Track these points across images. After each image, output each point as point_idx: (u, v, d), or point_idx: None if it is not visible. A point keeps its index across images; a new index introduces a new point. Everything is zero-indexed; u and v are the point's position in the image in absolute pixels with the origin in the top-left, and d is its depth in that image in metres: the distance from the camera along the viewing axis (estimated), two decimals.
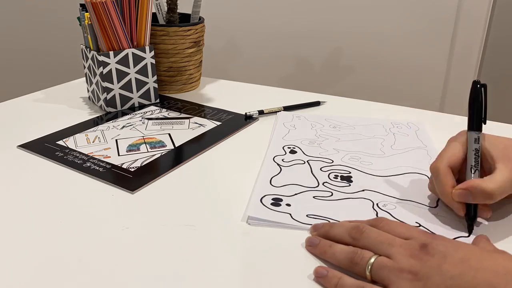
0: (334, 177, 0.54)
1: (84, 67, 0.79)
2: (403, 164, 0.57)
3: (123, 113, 0.75)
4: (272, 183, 0.53)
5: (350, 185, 0.53)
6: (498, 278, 0.33)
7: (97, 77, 0.74)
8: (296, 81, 1.35)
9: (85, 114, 0.74)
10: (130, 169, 0.56)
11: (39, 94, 0.83)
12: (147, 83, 0.77)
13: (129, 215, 0.47)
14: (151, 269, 0.39)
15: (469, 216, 0.44)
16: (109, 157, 0.59)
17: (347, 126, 0.69)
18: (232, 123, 0.71)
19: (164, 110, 0.76)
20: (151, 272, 0.39)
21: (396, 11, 1.19)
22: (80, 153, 0.60)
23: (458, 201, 0.44)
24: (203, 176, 0.56)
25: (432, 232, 0.43)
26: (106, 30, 0.71)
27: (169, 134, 0.66)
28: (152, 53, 0.76)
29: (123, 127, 0.69)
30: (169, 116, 0.73)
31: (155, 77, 0.78)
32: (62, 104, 0.78)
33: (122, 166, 0.57)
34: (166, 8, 0.84)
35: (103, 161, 0.58)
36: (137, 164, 0.57)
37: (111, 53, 0.72)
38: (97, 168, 0.56)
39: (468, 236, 0.43)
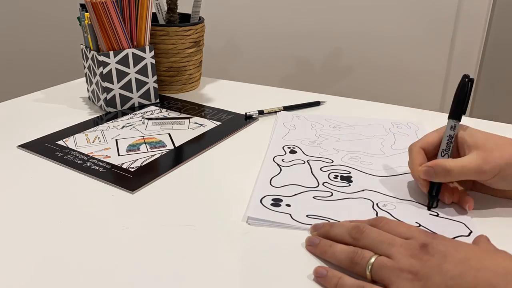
0: (334, 177, 0.54)
1: (84, 67, 0.79)
2: (403, 164, 0.57)
3: (123, 113, 0.75)
4: (272, 183, 0.53)
5: (350, 185, 0.53)
6: (498, 278, 0.33)
7: (97, 77, 0.74)
8: (296, 81, 1.35)
9: (85, 114, 0.74)
10: (130, 169, 0.56)
11: (39, 94, 0.83)
12: (147, 83, 0.77)
13: (129, 215, 0.47)
14: (151, 269, 0.39)
15: (430, 194, 0.48)
16: (109, 157, 0.59)
17: (347, 126, 0.69)
18: (232, 123, 0.71)
19: (164, 110, 0.76)
20: (151, 272, 0.39)
21: (396, 11, 1.19)
22: (80, 153, 0.60)
23: (424, 179, 0.47)
24: (203, 176, 0.56)
25: (433, 232, 0.43)
26: (106, 30, 0.71)
27: (169, 134, 0.66)
28: (152, 53, 0.76)
29: (123, 127, 0.69)
30: (169, 116, 0.73)
31: (155, 77, 0.78)
32: (62, 104, 0.78)
33: (122, 166, 0.57)
34: (166, 8, 0.84)
35: (103, 161, 0.58)
36: (137, 164, 0.57)
37: (111, 53, 0.72)
38: (97, 168, 0.56)
39: (429, 209, 0.47)
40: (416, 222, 0.45)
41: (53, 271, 0.39)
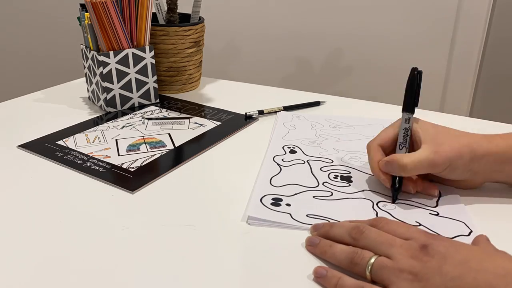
0: (334, 177, 0.54)
1: (84, 67, 0.79)
2: None
3: (123, 113, 0.75)
4: (272, 183, 0.53)
5: (350, 185, 0.53)
6: (498, 279, 0.33)
7: (97, 77, 0.74)
8: (296, 81, 1.35)
9: (85, 114, 0.74)
10: (130, 169, 0.56)
11: (39, 94, 0.83)
12: (147, 83, 0.77)
13: (129, 215, 0.47)
14: (151, 269, 0.39)
15: (393, 187, 0.49)
16: (109, 157, 0.59)
17: (347, 126, 0.69)
18: (232, 123, 0.71)
19: (164, 110, 0.76)
20: (151, 272, 0.39)
21: (396, 12, 1.19)
22: (80, 153, 0.60)
23: (384, 173, 0.49)
24: (203, 176, 0.56)
25: (433, 232, 0.43)
26: (106, 30, 0.71)
27: (169, 134, 0.66)
28: (152, 53, 0.76)
29: (123, 127, 0.69)
30: (169, 116, 0.73)
31: (155, 77, 0.78)
32: (62, 104, 0.78)
33: (122, 166, 0.57)
34: (166, 8, 0.84)
35: (103, 161, 0.58)
36: (137, 164, 0.57)
37: (111, 53, 0.72)
38: (97, 168, 0.56)
39: (393, 202, 0.49)
40: (416, 222, 0.45)
41: (53, 271, 0.39)
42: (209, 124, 0.70)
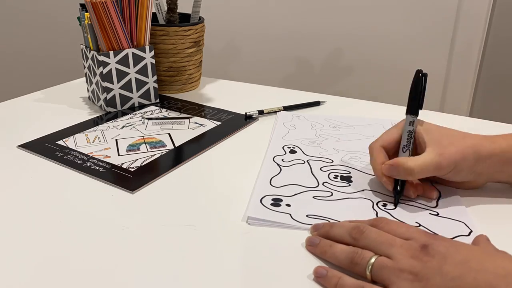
0: (334, 177, 0.54)
1: (84, 67, 0.79)
2: None
3: (123, 113, 0.75)
4: (272, 183, 0.53)
5: (350, 185, 0.53)
6: (498, 279, 0.33)
7: (97, 77, 0.74)
8: (296, 81, 1.35)
9: (85, 114, 0.74)
10: (130, 169, 0.56)
11: (39, 94, 0.83)
12: (147, 83, 0.77)
13: (129, 215, 0.47)
14: (151, 269, 0.39)
15: (396, 190, 0.48)
16: (109, 157, 0.59)
17: (347, 126, 0.69)
18: (232, 123, 0.71)
19: (164, 110, 0.76)
20: (151, 272, 0.39)
21: (396, 12, 1.19)
22: (80, 153, 0.60)
23: (387, 176, 0.48)
24: (203, 176, 0.56)
25: (433, 232, 0.43)
26: (106, 30, 0.71)
27: (169, 134, 0.66)
28: (152, 53, 0.76)
29: (123, 127, 0.69)
30: (169, 116, 0.73)
31: (155, 77, 0.78)
32: (62, 104, 0.78)
33: (122, 166, 0.57)
34: (166, 8, 0.84)
35: (103, 161, 0.58)
36: (137, 164, 0.57)
37: (111, 53, 0.72)
38: (97, 168, 0.56)
39: (394, 208, 0.48)
40: (416, 222, 0.45)
41: (53, 271, 0.39)
42: (209, 124, 0.70)
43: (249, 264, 0.40)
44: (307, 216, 0.46)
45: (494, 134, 0.49)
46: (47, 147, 0.62)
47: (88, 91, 0.81)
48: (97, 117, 0.73)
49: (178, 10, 0.84)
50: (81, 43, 0.78)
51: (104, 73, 0.72)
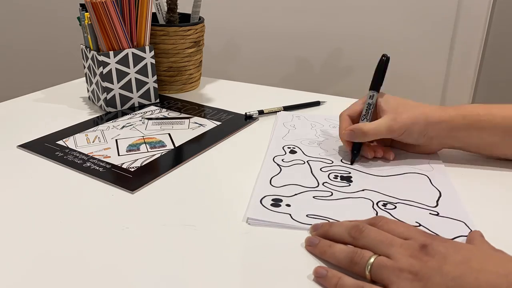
0: (334, 177, 0.54)
1: (84, 67, 0.79)
2: (403, 164, 0.57)
3: (123, 113, 0.75)
4: (272, 183, 0.53)
5: (350, 185, 0.53)
6: (500, 279, 0.33)
7: (97, 77, 0.74)
8: (296, 81, 1.35)
9: (85, 114, 0.74)
10: (130, 169, 0.56)
11: (39, 94, 0.83)
12: (147, 83, 0.77)
13: (129, 215, 0.47)
14: (151, 269, 0.39)
15: (352, 151, 0.57)
16: (109, 157, 0.59)
17: None
18: (232, 123, 0.71)
19: (164, 110, 0.76)
20: (151, 272, 0.39)
21: (396, 12, 1.19)
22: (80, 153, 0.60)
23: (347, 140, 0.58)
24: (203, 176, 0.56)
25: (433, 232, 0.43)
26: (106, 30, 0.71)
27: (169, 134, 0.67)
28: (152, 53, 0.76)
29: (123, 127, 0.69)
30: (169, 116, 0.73)
31: (155, 77, 0.78)
32: (62, 104, 0.78)
33: (122, 166, 0.57)
34: (166, 8, 0.84)
35: (103, 161, 0.58)
36: (137, 164, 0.57)
37: (111, 53, 0.72)
38: (97, 168, 0.56)
39: (351, 164, 0.57)
40: (416, 222, 0.45)
41: (53, 271, 0.39)
42: (209, 124, 0.70)
43: (249, 264, 0.40)
44: (307, 216, 0.46)
45: (449, 106, 0.54)
46: (47, 147, 0.62)
47: (88, 91, 0.81)
48: (97, 117, 0.73)
49: (178, 10, 0.84)
50: (81, 43, 0.78)
51: (104, 73, 0.72)
